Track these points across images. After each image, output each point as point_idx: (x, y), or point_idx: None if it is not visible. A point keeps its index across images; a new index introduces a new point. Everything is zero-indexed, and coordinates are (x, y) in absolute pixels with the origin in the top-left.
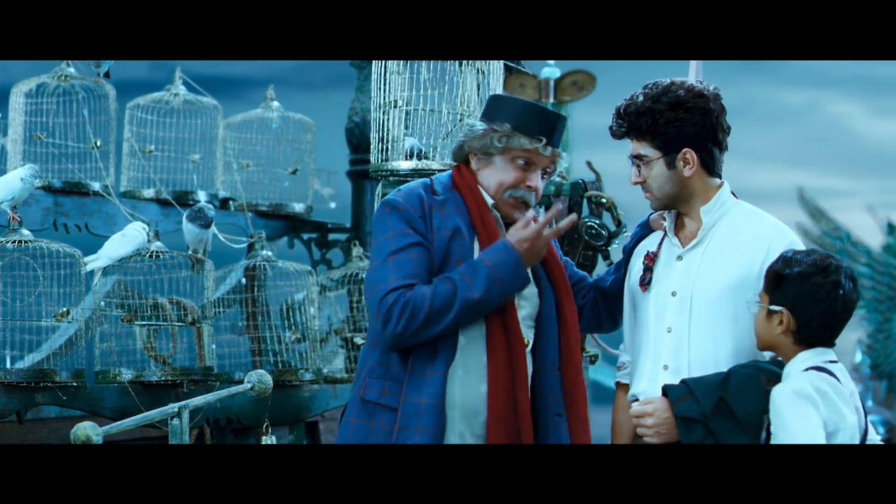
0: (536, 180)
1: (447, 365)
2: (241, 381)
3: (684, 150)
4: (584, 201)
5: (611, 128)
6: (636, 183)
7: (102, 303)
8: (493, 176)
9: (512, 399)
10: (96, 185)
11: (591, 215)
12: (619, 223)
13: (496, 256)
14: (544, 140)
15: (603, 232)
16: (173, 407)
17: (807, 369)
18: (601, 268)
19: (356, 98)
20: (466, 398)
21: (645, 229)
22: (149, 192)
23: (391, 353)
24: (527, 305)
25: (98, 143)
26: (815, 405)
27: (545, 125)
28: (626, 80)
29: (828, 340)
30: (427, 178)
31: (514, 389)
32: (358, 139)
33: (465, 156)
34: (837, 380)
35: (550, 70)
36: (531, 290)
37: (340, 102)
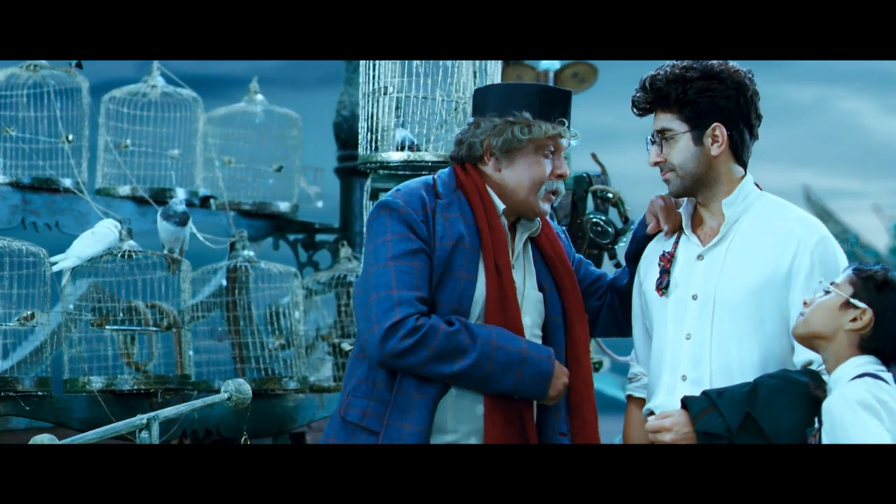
0: (565, 166)
1: (439, 392)
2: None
3: (714, 124)
4: (589, 196)
5: (634, 100)
6: (656, 163)
7: (71, 306)
8: (523, 173)
9: (517, 420)
10: (67, 182)
11: (596, 211)
12: (626, 220)
13: (534, 351)
14: (566, 122)
15: (609, 229)
16: (142, 418)
17: (860, 375)
18: (607, 267)
19: (345, 91)
20: (459, 421)
21: (643, 230)
22: (124, 190)
23: (379, 369)
24: (531, 312)
25: (70, 138)
26: (878, 416)
27: (562, 106)
28: (629, 73)
29: (883, 356)
30: (429, 177)
31: (518, 409)
32: (346, 134)
33: (477, 157)
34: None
35: (550, 62)
36: (536, 296)
37: (328, 99)
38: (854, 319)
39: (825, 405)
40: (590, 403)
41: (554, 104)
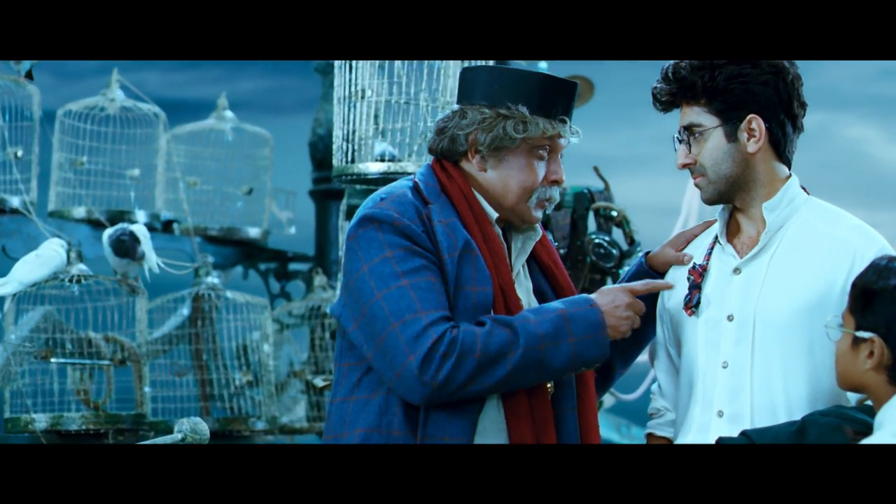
0: (561, 171)
1: (470, 431)
2: None
3: (749, 116)
4: (591, 214)
5: (654, 92)
6: (684, 165)
7: (13, 336)
8: (512, 177)
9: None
10: (15, 202)
11: (598, 231)
12: (631, 241)
13: (573, 307)
14: (567, 120)
15: (613, 251)
16: None
17: None
18: None
19: (321, 108)
20: None
21: (639, 269)
22: (79, 212)
23: (392, 413)
24: None
25: (18, 153)
26: None
27: (566, 100)
28: (622, 97)
29: None
30: (407, 181)
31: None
32: (322, 154)
33: (460, 152)
34: None
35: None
36: None
37: (303, 124)
38: (870, 355)
39: None
40: (595, 430)
41: (556, 98)
